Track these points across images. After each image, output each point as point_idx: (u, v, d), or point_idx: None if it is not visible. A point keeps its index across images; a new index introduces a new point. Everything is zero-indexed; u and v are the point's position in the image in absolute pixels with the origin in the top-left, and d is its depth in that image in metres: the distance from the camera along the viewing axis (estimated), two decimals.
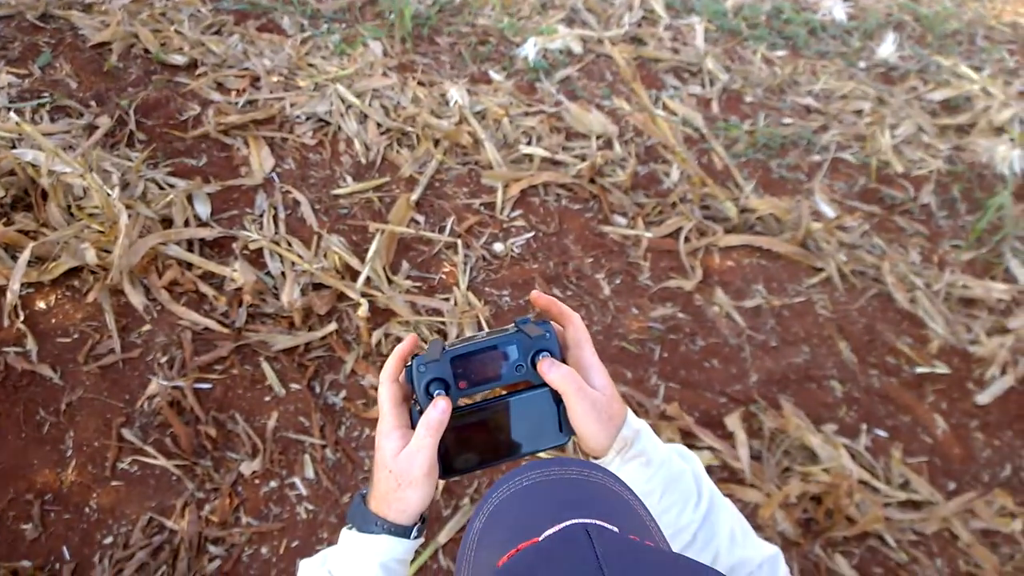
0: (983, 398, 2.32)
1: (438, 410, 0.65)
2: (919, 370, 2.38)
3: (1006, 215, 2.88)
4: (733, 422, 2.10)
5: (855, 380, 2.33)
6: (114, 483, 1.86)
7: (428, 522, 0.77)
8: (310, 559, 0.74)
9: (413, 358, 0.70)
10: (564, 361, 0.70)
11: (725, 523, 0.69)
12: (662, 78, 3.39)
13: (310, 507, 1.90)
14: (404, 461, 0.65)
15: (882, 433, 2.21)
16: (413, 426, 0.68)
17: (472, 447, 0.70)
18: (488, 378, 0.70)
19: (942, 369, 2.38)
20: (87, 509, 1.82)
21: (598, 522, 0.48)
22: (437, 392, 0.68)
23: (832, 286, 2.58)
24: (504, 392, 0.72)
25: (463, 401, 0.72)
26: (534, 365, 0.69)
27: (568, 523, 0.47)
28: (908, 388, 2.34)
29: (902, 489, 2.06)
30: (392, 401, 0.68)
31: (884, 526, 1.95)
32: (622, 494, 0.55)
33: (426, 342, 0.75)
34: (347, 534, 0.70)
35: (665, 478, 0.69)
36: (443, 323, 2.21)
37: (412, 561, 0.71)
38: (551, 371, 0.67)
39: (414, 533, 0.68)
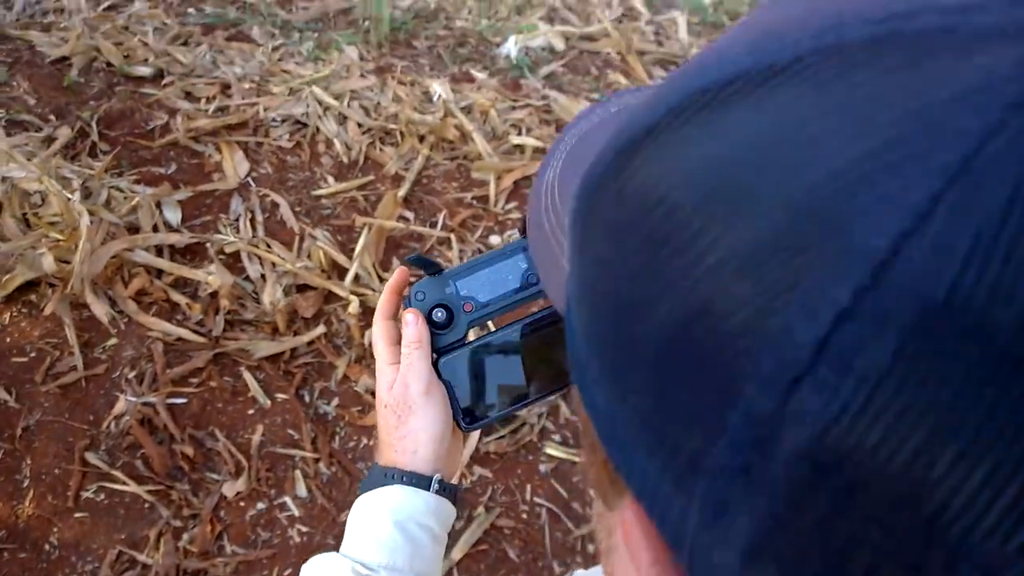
0: None
1: (408, 324, 0.57)
2: None
3: None
4: None
5: None
6: (78, 514, 1.63)
7: (460, 498, 0.66)
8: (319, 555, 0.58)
9: (410, 286, 0.59)
10: None
11: None
12: (649, 68, 3.29)
13: (304, 529, 1.68)
14: (399, 387, 0.56)
15: None
16: None
17: (498, 385, 0.56)
18: (500, 296, 0.57)
19: None
20: (47, 546, 1.58)
21: None
22: (408, 307, 0.58)
23: None
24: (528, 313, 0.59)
25: (474, 335, 0.59)
26: None
27: None
28: None
29: None
30: (387, 340, 0.59)
31: None
32: None
33: (416, 277, 0.61)
34: (358, 500, 0.57)
35: None
36: None
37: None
38: None
39: (434, 486, 0.55)
